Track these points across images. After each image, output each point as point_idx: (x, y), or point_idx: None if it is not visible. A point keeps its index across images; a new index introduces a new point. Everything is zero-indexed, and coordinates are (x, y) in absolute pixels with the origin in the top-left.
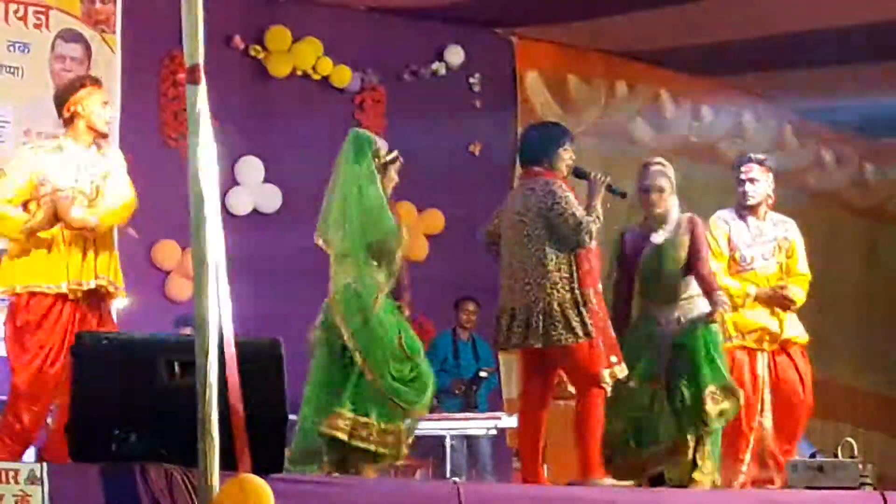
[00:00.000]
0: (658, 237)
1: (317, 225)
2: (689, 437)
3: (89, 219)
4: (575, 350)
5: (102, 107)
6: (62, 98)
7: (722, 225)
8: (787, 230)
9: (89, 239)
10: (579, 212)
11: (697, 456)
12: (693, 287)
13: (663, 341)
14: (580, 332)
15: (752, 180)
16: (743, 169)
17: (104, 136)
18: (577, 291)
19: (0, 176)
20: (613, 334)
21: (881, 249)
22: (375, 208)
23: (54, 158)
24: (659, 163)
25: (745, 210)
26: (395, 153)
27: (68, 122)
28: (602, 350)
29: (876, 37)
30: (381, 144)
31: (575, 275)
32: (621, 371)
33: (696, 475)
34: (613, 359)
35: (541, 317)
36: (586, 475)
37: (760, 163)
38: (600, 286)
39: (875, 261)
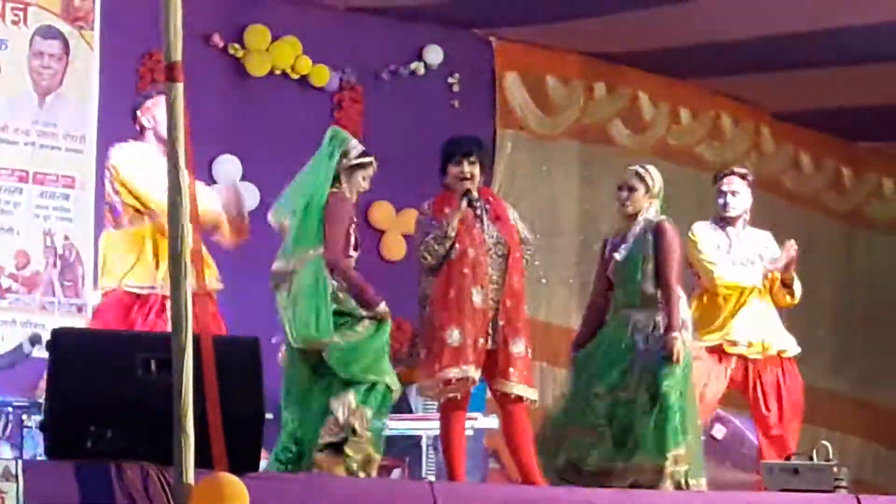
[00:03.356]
0: (619, 254)
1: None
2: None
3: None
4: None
5: None
6: (134, 109)
7: (700, 232)
8: (766, 246)
9: None
10: (421, 235)
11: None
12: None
13: (638, 352)
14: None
15: (733, 192)
16: (725, 181)
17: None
18: (426, 310)
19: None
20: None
21: (858, 253)
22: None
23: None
24: (640, 165)
25: (723, 221)
26: (368, 158)
27: (141, 132)
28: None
29: (853, 40)
30: (354, 146)
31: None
32: (456, 373)
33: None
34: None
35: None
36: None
37: (743, 176)
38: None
39: (851, 264)
